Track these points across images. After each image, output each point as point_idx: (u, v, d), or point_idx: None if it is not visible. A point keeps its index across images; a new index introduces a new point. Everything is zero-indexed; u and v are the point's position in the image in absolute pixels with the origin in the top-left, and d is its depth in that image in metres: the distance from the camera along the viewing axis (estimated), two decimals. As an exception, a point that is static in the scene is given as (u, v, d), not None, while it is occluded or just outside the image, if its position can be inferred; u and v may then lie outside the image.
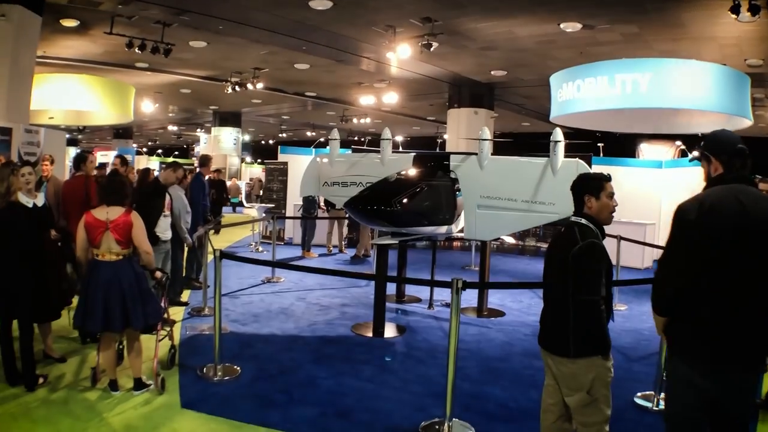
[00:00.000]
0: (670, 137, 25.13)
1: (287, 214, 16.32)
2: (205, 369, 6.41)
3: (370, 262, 13.76)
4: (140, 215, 5.76)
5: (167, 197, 8.28)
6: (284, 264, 9.15)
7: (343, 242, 15.66)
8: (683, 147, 18.64)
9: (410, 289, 10.63)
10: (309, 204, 14.15)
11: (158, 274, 6.15)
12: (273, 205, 16.43)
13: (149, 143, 47.03)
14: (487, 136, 8.44)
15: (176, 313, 8.67)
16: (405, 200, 7.91)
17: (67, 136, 40.23)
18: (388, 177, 8.38)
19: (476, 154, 8.33)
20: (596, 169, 9.40)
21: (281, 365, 6.72)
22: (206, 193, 10.73)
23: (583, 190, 3.99)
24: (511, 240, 10.69)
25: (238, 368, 6.48)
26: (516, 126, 28.28)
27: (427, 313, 9.37)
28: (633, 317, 9.67)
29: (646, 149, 26.02)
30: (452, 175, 8.54)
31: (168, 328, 6.50)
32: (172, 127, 35.06)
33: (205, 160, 11.25)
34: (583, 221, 3.92)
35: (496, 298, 10.25)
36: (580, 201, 3.98)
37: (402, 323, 8.65)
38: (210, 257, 8.32)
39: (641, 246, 13.41)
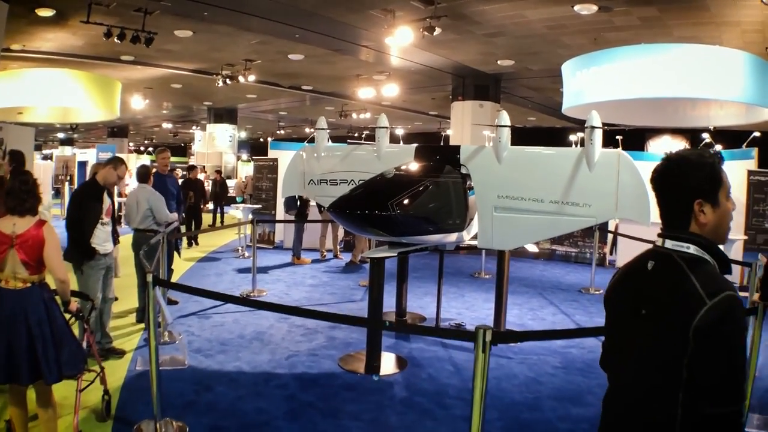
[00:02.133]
0: (677, 132, 23.51)
1: (277, 215, 14.42)
2: (142, 426, 4.64)
3: (366, 269, 11.72)
4: (72, 223, 4.88)
5: (106, 201, 6.46)
6: (231, 298, 7.04)
7: (338, 246, 13.66)
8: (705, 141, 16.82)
9: (412, 303, 8.82)
10: (293, 203, 12.28)
11: (73, 305, 4.48)
12: (260, 206, 14.54)
13: (145, 141, 45.34)
14: (506, 122, 6.60)
15: (128, 341, 6.85)
16: (405, 202, 5.96)
17: (62, 135, 39.33)
18: (384, 173, 6.55)
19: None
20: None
21: (243, 421, 4.90)
22: (174, 196, 8.91)
23: (691, 193, 2.09)
24: (533, 248, 8.82)
25: (186, 427, 4.69)
26: (522, 121, 26.52)
27: (433, 337, 7.47)
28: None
29: (653, 145, 24.36)
30: (463, 171, 6.69)
31: (98, 370, 4.89)
32: (166, 125, 33.41)
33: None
34: (694, 250, 2.05)
35: (512, 315, 8.43)
36: (685, 211, 2.11)
37: (402, 352, 6.78)
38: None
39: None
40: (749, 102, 10.17)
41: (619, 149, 6.45)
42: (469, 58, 15.61)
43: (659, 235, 2.19)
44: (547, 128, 27.68)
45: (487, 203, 6.47)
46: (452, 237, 6.59)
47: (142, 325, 7.43)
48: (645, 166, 11.33)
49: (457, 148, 6.80)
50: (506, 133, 6.54)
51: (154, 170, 8.86)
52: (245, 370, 6.12)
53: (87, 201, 6.27)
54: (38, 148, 46.22)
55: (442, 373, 6.15)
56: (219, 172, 16.60)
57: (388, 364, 6.33)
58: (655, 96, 10.31)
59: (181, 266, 11.60)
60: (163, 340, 6.86)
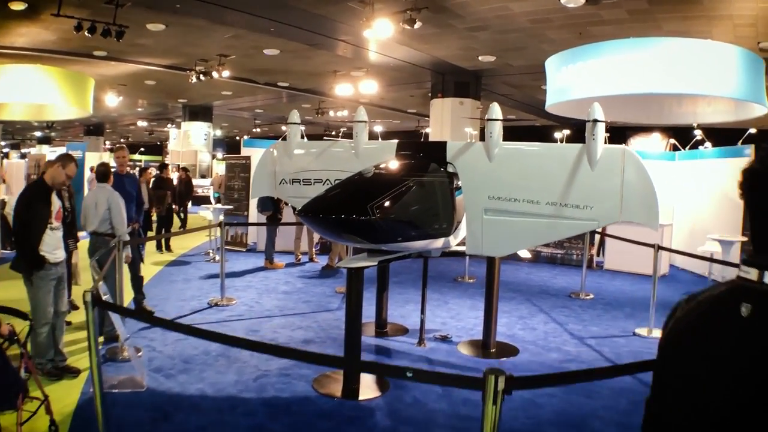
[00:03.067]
0: (659, 130, 22.98)
1: (250, 216, 13.56)
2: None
3: (344, 273, 10.89)
4: (18, 228, 4.63)
5: (56, 203, 5.65)
6: (162, 322, 6.27)
7: (314, 249, 12.75)
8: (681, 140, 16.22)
9: (393, 313, 8.06)
10: (269, 204, 11.43)
11: (5, 327, 3.90)
12: (231, 207, 13.67)
13: (122, 140, 44.17)
14: (498, 116, 5.86)
15: (85, 357, 6.02)
16: (386, 205, 5.17)
17: (39, 134, 38.34)
18: (362, 172, 5.78)
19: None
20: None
21: (201, 461, 4.12)
22: (133, 198, 8.07)
23: None
24: (526, 254, 8.06)
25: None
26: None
27: (417, 352, 6.66)
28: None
29: (634, 143, 23.81)
30: (450, 169, 5.94)
31: (42, 397, 4.18)
32: (142, 123, 32.39)
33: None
34: None
35: (501, 324, 7.62)
36: None
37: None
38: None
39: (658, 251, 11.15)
40: (741, 98, 9.64)
41: (624, 145, 5.71)
42: (450, 54, 14.91)
43: (746, 263, 1.46)
44: (526, 126, 27.02)
45: (476, 205, 5.73)
46: (438, 243, 5.82)
47: (102, 339, 6.63)
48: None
49: (443, 145, 6.03)
50: (498, 128, 5.79)
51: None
52: (209, 393, 5.32)
53: (34, 203, 5.47)
54: (16, 146, 45.10)
55: (429, 396, 5.37)
56: (184, 169, 15.43)
57: (367, 387, 5.55)
58: (643, 92, 9.77)
59: (149, 271, 10.74)
60: (121, 357, 6.07)
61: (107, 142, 40.44)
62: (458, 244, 6.35)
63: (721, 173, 11.71)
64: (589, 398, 5.44)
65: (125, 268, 7.70)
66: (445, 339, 7.10)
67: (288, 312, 8.24)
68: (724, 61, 9.29)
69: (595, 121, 5.42)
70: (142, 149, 43.29)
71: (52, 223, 5.53)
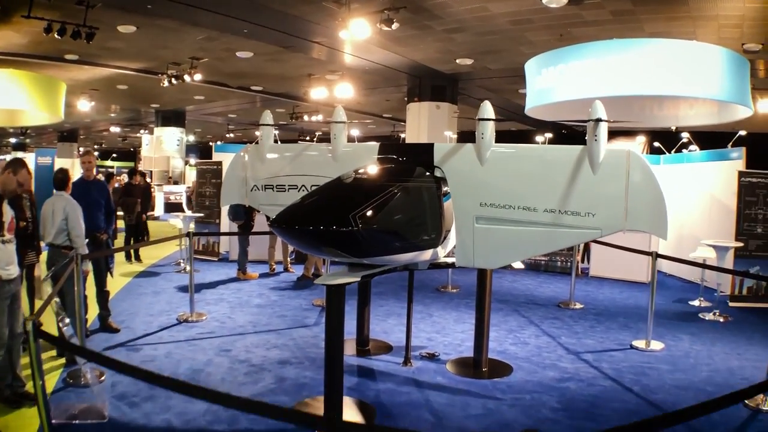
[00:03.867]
0: (643, 133, 22.73)
1: (222, 225, 12.83)
2: None
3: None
4: None
5: (7, 213, 4.96)
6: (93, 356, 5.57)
7: (289, 258, 11.96)
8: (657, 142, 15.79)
9: (375, 328, 7.44)
10: (241, 212, 10.73)
11: None
12: (202, 215, 12.91)
13: (95, 146, 43.01)
14: (490, 115, 5.27)
15: (46, 380, 5.33)
16: (369, 213, 4.53)
17: (14, 140, 37.34)
18: (341, 177, 5.16)
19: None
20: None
21: None
22: (101, 206, 7.37)
23: None
24: (519, 266, 7.46)
25: None
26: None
27: (404, 373, 6.01)
28: (678, 360, 6.64)
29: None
30: (438, 173, 5.34)
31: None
32: (115, 129, 31.43)
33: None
34: None
35: (491, 339, 6.85)
36: None
37: (369, 396, 5.37)
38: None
39: (647, 257, 10.68)
40: (725, 100, 9.23)
41: (629, 147, 5.14)
42: (427, 57, 14.39)
43: None
44: (502, 131, 26.47)
45: (467, 213, 5.13)
46: (426, 255, 5.20)
47: (64, 360, 5.99)
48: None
49: (430, 147, 5.41)
50: (490, 128, 5.21)
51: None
52: (176, 425, 4.65)
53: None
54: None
55: (420, 424, 4.73)
56: (141, 174, 14.34)
57: (350, 413, 4.92)
58: (625, 94, 9.25)
59: (117, 283, 10.01)
60: (84, 382, 5.39)
61: (81, 149, 39.47)
62: (447, 256, 5.75)
63: (709, 177, 11.27)
64: (594, 422, 4.89)
65: (91, 282, 7.10)
66: (432, 357, 6.47)
67: (262, 328, 7.55)
68: (708, 62, 8.90)
69: (598, 120, 4.85)
70: (114, 155, 42.19)
71: (4, 236, 4.84)
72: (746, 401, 5.37)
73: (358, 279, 4.76)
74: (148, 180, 18.48)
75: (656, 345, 7.10)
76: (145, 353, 6.45)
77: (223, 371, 5.95)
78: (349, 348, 6.62)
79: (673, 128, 15.40)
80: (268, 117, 6.32)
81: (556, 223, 4.91)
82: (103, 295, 7.25)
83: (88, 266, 6.62)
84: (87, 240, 6.53)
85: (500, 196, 5.05)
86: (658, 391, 5.69)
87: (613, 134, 22.32)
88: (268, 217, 8.67)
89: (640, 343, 7.16)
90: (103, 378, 5.54)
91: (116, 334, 7.10)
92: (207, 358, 6.31)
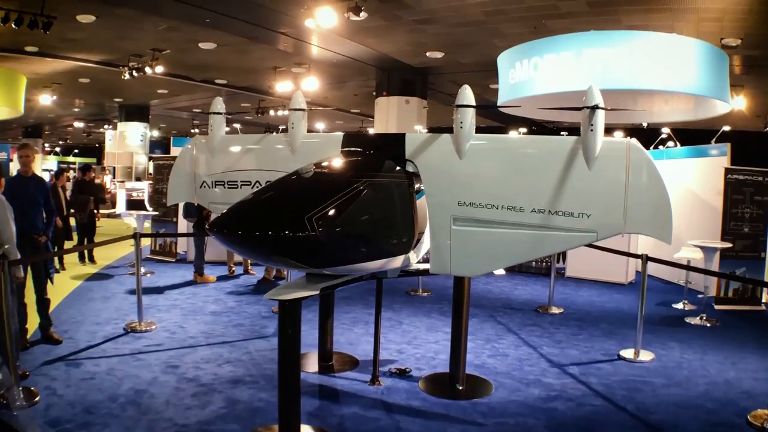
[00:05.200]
0: (607, 130, 22.25)
1: (180, 223, 11.87)
2: None
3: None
4: None
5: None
6: None
7: (249, 260, 10.85)
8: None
9: (339, 339, 6.64)
10: (191, 209, 9.82)
11: None
12: (157, 213, 11.96)
13: (60, 142, 41.51)
14: (470, 101, 4.50)
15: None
16: (330, 214, 3.75)
17: None
18: (300, 171, 4.36)
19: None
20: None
21: None
22: (39, 205, 6.48)
23: None
24: (501, 272, 6.70)
25: None
26: (447, 120, 24.41)
27: (371, 394, 5.20)
28: (672, 372, 5.97)
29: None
30: (409, 168, 4.56)
31: None
32: (78, 124, 30.22)
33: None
34: None
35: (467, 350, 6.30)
36: None
37: (332, 423, 4.54)
38: None
39: (624, 258, 10.11)
40: (703, 95, 8.67)
41: (629, 138, 4.39)
42: (396, 49, 13.61)
43: None
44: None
45: (443, 213, 4.34)
46: (397, 261, 4.41)
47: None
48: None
49: (401, 138, 4.62)
50: (470, 117, 4.43)
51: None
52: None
53: None
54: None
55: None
56: (82, 169, 12.86)
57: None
58: (601, 88, 8.58)
59: (66, 287, 9.09)
60: (17, 404, 4.59)
61: (46, 145, 38.05)
62: (420, 261, 4.97)
63: (691, 174, 10.69)
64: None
65: (31, 289, 6.29)
66: (403, 373, 5.67)
67: (215, 340, 6.67)
68: (686, 55, 8.38)
69: (595, 107, 4.11)
70: (76, 151, 40.69)
71: None
72: (751, 419, 4.83)
73: (317, 292, 3.96)
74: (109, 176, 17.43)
75: (646, 355, 6.42)
76: (85, 369, 5.59)
77: (169, 392, 5.10)
78: (311, 363, 5.82)
79: (645, 125, 14.89)
80: (219, 104, 5.48)
81: (545, 225, 4.15)
82: (43, 304, 6.40)
83: (20, 272, 5.75)
84: (23, 243, 5.71)
85: (481, 194, 4.27)
86: (655, 410, 5.00)
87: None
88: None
89: (628, 353, 6.46)
90: (37, 398, 4.77)
91: (58, 346, 6.26)
92: (152, 376, 5.46)
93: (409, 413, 4.79)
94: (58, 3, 10.24)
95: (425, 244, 4.83)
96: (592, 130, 4.10)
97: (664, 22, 10.27)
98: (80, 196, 11.56)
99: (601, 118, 4.12)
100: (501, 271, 6.40)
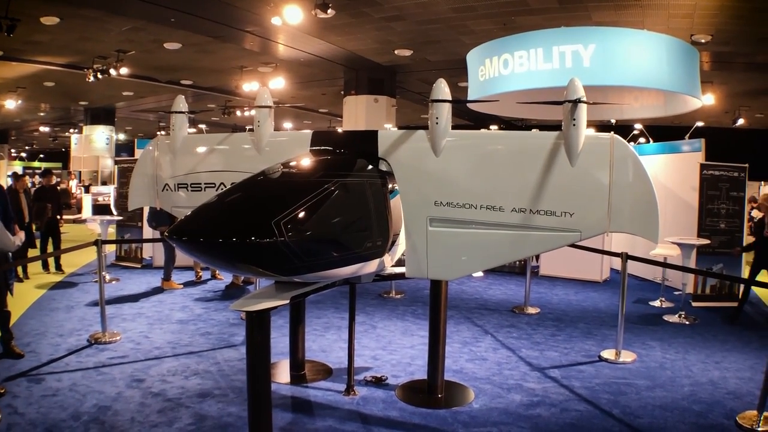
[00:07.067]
0: (593, 125, 22.18)
1: (144, 228, 11.25)
2: None
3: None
4: None
5: None
6: None
7: None
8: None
9: (311, 346, 6.32)
10: (163, 216, 9.40)
11: None
12: (121, 217, 11.47)
13: (27, 147, 40.47)
14: (446, 95, 4.21)
15: None
16: (299, 218, 3.45)
17: None
18: (266, 171, 4.04)
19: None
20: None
21: None
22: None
23: None
24: (479, 275, 6.43)
25: None
26: (415, 118, 24.29)
27: (346, 405, 4.88)
28: (655, 373, 5.75)
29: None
30: (383, 167, 4.27)
31: None
32: (44, 128, 29.45)
33: None
34: None
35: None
36: None
37: (302, 438, 4.28)
38: None
39: (599, 255, 9.96)
40: (674, 90, 8.76)
41: (613, 133, 4.14)
42: (364, 47, 13.37)
43: None
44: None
45: (418, 214, 4.05)
46: (371, 266, 4.12)
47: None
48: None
49: (373, 135, 4.32)
50: (446, 112, 4.15)
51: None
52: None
53: None
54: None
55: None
56: (43, 174, 12.01)
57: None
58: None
59: (29, 297, 8.61)
60: None
61: (12, 150, 37.08)
62: (395, 264, 4.67)
63: (664, 170, 10.57)
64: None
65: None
66: (379, 382, 5.37)
67: (182, 350, 6.28)
68: (656, 51, 8.38)
69: (578, 101, 3.85)
70: (42, 156, 39.74)
71: None
72: (740, 421, 4.65)
73: (287, 301, 3.64)
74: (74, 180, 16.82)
75: (627, 356, 6.20)
76: (47, 385, 5.19)
77: (134, 408, 4.73)
78: (282, 374, 5.49)
79: (613, 121, 14.77)
80: (181, 103, 5.15)
81: (526, 224, 3.89)
82: (3, 316, 5.97)
83: None
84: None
85: (459, 193, 3.99)
86: (641, 414, 4.77)
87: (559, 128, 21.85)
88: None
89: (609, 354, 6.24)
90: (-1, 417, 4.38)
91: (19, 360, 5.86)
92: (116, 391, 5.08)
93: (387, 425, 4.49)
94: (21, 5, 9.89)
95: (400, 246, 4.55)
96: (574, 125, 3.83)
97: (634, 18, 10.21)
98: (37, 204, 10.90)
99: (583, 113, 3.86)
100: (479, 274, 6.15)
